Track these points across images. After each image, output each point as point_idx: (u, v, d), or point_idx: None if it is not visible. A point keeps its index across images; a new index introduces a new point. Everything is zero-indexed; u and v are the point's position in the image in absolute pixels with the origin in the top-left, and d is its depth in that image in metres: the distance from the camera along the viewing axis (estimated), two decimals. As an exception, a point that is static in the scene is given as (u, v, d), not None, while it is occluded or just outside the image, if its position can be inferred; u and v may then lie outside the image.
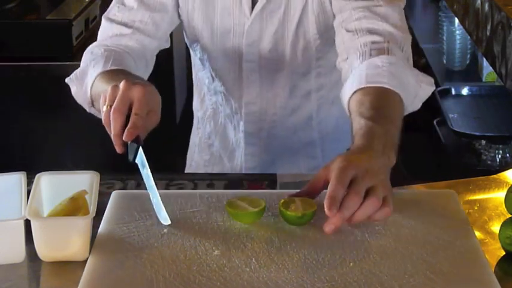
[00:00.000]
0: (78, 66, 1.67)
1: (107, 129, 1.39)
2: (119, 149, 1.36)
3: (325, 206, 1.23)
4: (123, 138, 1.35)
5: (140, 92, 1.36)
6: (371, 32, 1.57)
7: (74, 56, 2.66)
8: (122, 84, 1.38)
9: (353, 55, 1.56)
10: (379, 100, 1.42)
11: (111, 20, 1.72)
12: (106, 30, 1.72)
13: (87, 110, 1.64)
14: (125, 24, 1.70)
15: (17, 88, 2.74)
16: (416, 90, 1.52)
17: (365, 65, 1.51)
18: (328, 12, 1.69)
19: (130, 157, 1.36)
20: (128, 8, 1.71)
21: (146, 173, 1.39)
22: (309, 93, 1.80)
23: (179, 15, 1.76)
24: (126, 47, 1.68)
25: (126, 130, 1.34)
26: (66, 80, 1.66)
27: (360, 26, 1.58)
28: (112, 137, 1.36)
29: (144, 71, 1.72)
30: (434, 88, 1.57)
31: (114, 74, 1.53)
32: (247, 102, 1.79)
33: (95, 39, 1.74)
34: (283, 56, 1.74)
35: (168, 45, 1.80)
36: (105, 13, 1.74)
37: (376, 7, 1.59)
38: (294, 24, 1.70)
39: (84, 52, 1.69)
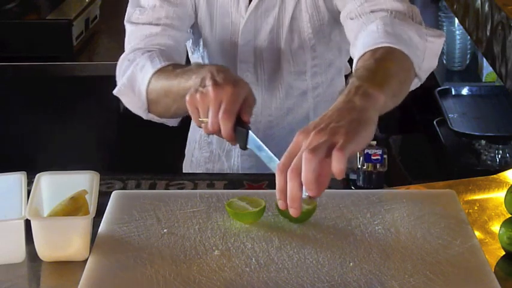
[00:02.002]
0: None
1: (192, 114, 1.43)
2: (232, 142, 1.41)
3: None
4: (220, 123, 1.38)
5: (229, 90, 1.39)
6: (374, 11, 1.57)
7: (74, 56, 2.65)
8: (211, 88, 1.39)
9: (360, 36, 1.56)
10: (368, 59, 1.40)
11: (136, 24, 1.69)
12: (134, 34, 1.69)
13: (144, 117, 1.63)
14: (153, 23, 1.67)
15: (17, 88, 2.74)
16: (423, 45, 1.51)
17: (363, 35, 1.51)
18: (322, 12, 1.70)
19: (241, 144, 1.40)
20: (150, 8, 1.69)
21: (265, 155, 1.41)
22: (305, 93, 1.80)
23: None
24: (159, 45, 1.65)
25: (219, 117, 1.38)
26: (114, 92, 1.63)
27: (363, 10, 1.58)
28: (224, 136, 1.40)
29: None
30: (444, 39, 1.55)
31: (172, 69, 1.53)
32: None
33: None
34: (278, 56, 1.73)
35: (191, 38, 1.79)
36: (126, 19, 1.71)
37: None
38: (287, 22, 1.70)
39: (118, 64, 1.66)
